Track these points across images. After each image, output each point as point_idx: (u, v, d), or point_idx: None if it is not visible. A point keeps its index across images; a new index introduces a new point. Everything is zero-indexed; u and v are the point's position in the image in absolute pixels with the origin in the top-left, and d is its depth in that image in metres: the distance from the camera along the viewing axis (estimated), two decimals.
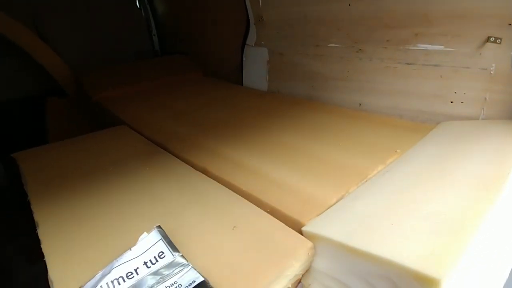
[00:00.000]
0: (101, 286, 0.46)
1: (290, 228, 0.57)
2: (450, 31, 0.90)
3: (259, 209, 0.63)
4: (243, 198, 0.67)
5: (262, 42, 1.49)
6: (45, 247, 0.57)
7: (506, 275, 0.50)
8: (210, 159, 0.84)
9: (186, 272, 0.47)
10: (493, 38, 0.82)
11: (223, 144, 0.93)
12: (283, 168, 0.77)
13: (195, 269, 0.47)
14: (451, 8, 0.88)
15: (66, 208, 0.69)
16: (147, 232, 0.54)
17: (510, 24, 0.79)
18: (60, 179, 0.81)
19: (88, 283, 0.47)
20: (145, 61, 2.09)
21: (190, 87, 1.64)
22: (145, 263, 0.49)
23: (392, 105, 1.06)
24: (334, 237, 0.51)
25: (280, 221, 0.59)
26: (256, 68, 1.53)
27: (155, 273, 0.47)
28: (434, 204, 0.54)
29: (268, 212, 0.63)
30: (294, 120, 1.08)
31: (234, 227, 0.58)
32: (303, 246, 0.53)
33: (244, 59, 1.57)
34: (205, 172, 0.79)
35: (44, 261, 0.54)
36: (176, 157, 0.88)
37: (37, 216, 0.66)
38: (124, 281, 0.47)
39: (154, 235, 0.53)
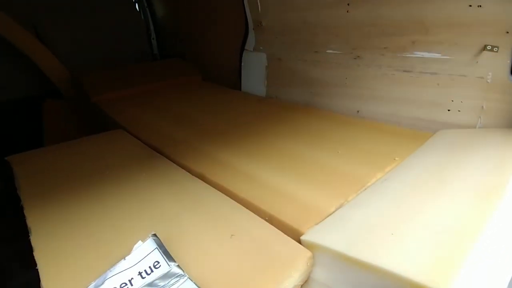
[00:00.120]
0: None
1: (289, 237, 0.56)
2: (447, 39, 0.91)
3: (257, 217, 0.62)
4: (241, 206, 0.66)
5: (261, 48, 1.49)
6: (38, 255, 0.55)
7: (506, 285, 0.49)
8: (208, 165, 0.83)
9: (182, 283, 0.46)
10: (490, 46, 0.83)
11: (221, 150, 0.92)
12: (281, 175, 0.76)
13: (191, 280, 0.46)
14: (448, 16, 0.89)
15: (60, 213, 0.67)
16: (142, 241, 0.53)
17: (507, 32, 0.80)
18: (55, 184, 0.79)
19: None
20: (144, 64, 2.08)
21: (188, 91, 1.63)
22: (139, 273, 0.48)
23: (390, 112, 1.07)
24: (333, 247, 0.50)
25: (279, 229, 0.58)
26: (254, 74, 1.53)
27: (150, 284, 0.46)
28: (434, 213, 0.54)
29: (266, 220, 0.62)
30: (292, 126, 1.07)
31: (232, 235, 0.57)
32: (302, 256, 0.52)
33: (242, 64, 1.57)
34: (202, 178, 0.78)
35: (37, 269, 0.52)
36: (173, 162, 0.87)
37: (30, 222, 0.65)
38: None
39: (150, 244, 0.52)
